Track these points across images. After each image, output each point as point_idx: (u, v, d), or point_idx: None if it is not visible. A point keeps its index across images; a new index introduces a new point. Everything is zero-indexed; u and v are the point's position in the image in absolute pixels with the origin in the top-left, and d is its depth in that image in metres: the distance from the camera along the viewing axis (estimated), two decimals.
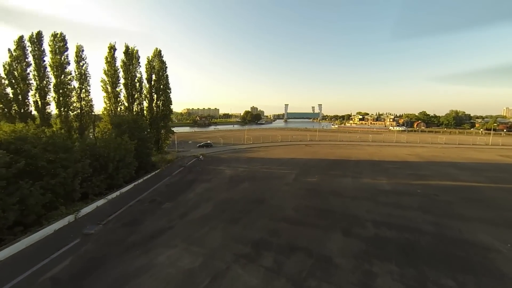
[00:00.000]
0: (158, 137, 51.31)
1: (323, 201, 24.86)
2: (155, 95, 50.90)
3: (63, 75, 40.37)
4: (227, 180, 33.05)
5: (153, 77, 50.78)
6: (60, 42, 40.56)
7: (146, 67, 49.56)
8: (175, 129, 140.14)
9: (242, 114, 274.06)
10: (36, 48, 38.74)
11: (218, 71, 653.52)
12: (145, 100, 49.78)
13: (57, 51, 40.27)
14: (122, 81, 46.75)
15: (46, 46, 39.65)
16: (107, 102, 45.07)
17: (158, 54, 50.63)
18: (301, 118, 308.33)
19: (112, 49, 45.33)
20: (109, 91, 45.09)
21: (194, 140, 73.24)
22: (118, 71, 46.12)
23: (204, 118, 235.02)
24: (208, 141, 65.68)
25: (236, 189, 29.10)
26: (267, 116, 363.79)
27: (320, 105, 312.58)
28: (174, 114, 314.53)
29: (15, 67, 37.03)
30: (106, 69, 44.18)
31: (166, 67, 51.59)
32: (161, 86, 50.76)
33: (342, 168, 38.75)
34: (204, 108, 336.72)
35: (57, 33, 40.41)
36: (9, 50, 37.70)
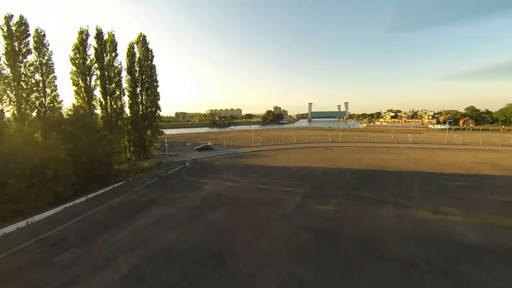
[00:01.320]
0: (142, 139, 41.89)
1: (341, 271, 12.10)
2: (139, 89, 41.52)
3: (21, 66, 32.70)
4: (197, 204, 21.73)
5: (137, 68, 41.44)
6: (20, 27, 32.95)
7: (126, 55, 40.34)
8: (194, 130, 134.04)
9: (263, 114, 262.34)
10: None
11: (242, 72, 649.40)
12: (124, 95, 40.62)
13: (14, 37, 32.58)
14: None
15: None
16: (77, 97, 36.55)
17: (142, 40, 41.23)
18: (326, 118, 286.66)
19: (83, 33, 36.71)
20: (80, 84, 36.56)
21: (194, 142, 63.46)
22: (91, 60, 37.49)
23: (223, 119, 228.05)
24: (209, 143, 55.25)
25: (197, 224, 17.59)
26: (290, 115, 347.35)
27: (346, 103, 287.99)
28: (197, 115, 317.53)
29: None
30: (73, 57, 35.62)
31: (152, 56, 42.04)
32: (145, 78, 41.21)
33: (376, 186, 25.06)
34: (227, 109, 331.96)
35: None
36: None
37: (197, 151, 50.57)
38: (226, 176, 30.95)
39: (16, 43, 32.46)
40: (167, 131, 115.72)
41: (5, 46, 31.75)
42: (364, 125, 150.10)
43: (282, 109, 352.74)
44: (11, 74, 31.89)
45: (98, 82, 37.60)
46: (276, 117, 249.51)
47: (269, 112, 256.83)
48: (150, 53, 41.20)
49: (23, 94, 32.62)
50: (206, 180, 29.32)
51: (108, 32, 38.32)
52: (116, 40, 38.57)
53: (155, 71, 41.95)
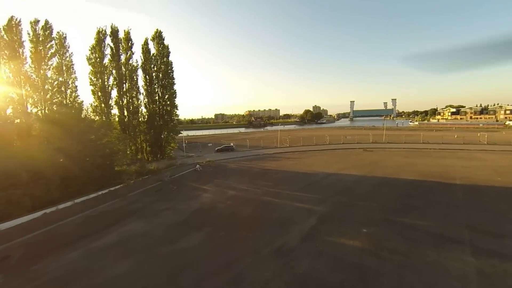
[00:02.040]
0: (157, 139, 39.73)
1: None
2: (154, 87, 39.48)
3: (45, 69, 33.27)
4: (181, 219, 17.04)
5: (153, 65, 39.47)
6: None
7: (141, 51, 38.57)
8: (228, 131, 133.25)
9: (301, 114, 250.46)
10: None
11: (281, 72, 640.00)
12: (140, 93, 38.95)
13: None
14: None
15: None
16: (94, 97, 35.99)
17: (157, 36, 39.00)
18: (370, 116, 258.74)
19: (100, 33, 36.03)
20: (96, 84, 35.97)
21: (218, 143, 60.11)
22: (109, 60, 36.70)
23: (259, 119, 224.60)
24: (231, 144, 51.07)
25: (161, 253, 12.72)
26: (330, 115, 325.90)
27: (394, 100, 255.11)
28: (236, 116, 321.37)
29: None
30: (89, 56, 35.06)
31: (168, 53, 39.52)
32: (160, 75, 38.95)
33: (437, 209, 16.59)
34: (264, 110, 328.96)
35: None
36: None
37: (217, 152, 46.93)
38: (233, 182, 25.78)
39: (41, 47, 33.07)
40: (204, 132, 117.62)
41: (31, 50, 32.52)
42: (416, 123, 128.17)
43: (322, 109, 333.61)
44: (38, 78, 32.57)
45: (114, 81, 36.64)
46: (314, 116, 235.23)
47: (307, 111, 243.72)
48: (164, 49, 38.80)
49: (47, 96, 33.10)
50: (208, 187, 24.63)
51: (124, 31, 37.22)
52: (132, 38, 37.17)
53: (172, 68, 39.41)
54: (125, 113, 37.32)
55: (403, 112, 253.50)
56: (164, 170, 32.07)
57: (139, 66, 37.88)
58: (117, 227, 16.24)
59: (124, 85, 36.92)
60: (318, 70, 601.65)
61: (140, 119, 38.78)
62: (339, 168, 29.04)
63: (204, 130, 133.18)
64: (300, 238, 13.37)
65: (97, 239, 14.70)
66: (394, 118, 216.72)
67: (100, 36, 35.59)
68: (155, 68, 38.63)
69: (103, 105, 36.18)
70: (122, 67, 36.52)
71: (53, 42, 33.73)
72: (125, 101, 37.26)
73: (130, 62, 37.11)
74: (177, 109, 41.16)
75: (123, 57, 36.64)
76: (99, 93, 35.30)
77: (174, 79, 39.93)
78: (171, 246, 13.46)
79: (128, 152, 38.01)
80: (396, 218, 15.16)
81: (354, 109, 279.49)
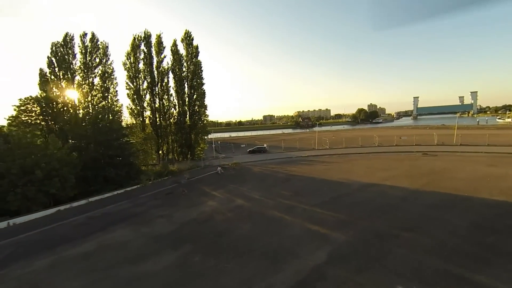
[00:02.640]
0: (186, 139, 39.50)
1: None
2: (185, 89, 39.41)
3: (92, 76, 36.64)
4: (168, 231, 14.78)
5: (183, 67, 39.50)
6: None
7: (171, 52, 38.82)
8: (272, 132, 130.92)
9: (353, 113, 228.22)
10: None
11: (332, 70, 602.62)
12: (171, 95, 39.36)
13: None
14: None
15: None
16: (130, 100, 37.93)
17: (186, 37, 38.83)
18: (441, 114, 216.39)
19: (136, 39, 37.81)
20: (131, 87, 37.82)
21: (254, 144, 57.41)
22: (144, 63, 38.24)
23: (307, 119, 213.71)
24: (264, 145, 47.72)
25: (117, 276, 10.37)
26: (388, 114, 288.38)
27: (474, 93, 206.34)
28: (285, 117, 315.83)
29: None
30: (124, 61, 37.05)
31: (197, 53, 38.90)
32: (189, 76, 38.61)
33: None
34: (314, 110, 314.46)
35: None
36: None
37: (249, 154, 44.31)
38: (248, 189, 22.36)
39: (89, 58, 36.50)
40: (246, 133, 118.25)
41: (81, 60, 36.18)
42: (508, 120, 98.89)
43: (378, 107, 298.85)
44: (86, 85, 36.03)
45: (148, 84, 37.94)
46: (369, 116, 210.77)
47: (360, 110, 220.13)
48: (193, 49, 38.25)
49: (94, 101, 36.31)
50: (218, 193, 21.86)
51: (157, 35, 38.14)
52: (163, 41, 37.88)
53: (201, 68, 38.73)
54: (157, 115, 38.29)
55: (487, 107, 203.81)
56: (185, 172, 31.05)
57: (169, 68, 38.39)
58: (102, 234, 14.88)
59: (156, 87, 37.95)
60: (373, 70, 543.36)
61: (170, 120, 39.29)
62: (383, 178, 22.28)
63: (248, 131, 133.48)
64: (291, 285, 9.01)
65: (75, 246, 13.50)
66: (475, 115, 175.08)
67: (136, 42, 37.39)
68: (184, 69, 38.58)
69: (138, 107, 37.91)
70: (155, 70, 37.59)
71: (98, 52, 36.96)
72: (157, 103, 38.27)
73: (162, 65, 37.95)
74: (206, 109, 40.33)
75: (155, 61, 37.73)
76: (134, 97, 37.08)
77: (203, 79, 39.24)
78: (134, 267, 10.96)
79: (159, 153, 38.75)
80: (465, 273, 9.06)
81: (419, 106, 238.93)
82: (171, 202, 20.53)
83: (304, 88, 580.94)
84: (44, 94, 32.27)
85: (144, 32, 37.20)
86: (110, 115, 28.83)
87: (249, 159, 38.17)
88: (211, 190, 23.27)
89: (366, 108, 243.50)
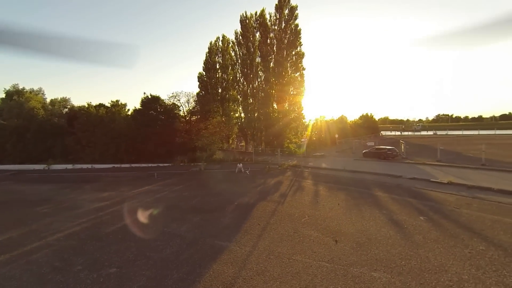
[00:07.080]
0: (274, 135, 32.28)
1: None
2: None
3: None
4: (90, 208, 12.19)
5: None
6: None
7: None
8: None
9: None
10: None
11: None
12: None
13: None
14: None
15: None
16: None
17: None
18: None
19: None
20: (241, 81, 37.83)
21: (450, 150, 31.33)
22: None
23: None
24: (401, 148, 24.33)
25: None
26: None
27: None
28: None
29: None
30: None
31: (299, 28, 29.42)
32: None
33: None
34: None
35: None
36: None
37: (363, 157, 25.35)
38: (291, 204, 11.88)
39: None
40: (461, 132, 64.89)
41: None
42: None
43: None
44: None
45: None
46: None
47: None
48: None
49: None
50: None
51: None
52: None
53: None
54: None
55: None
56: (227, 163, 24.92)
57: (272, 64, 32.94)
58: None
59: (257, 81, 34.85)
60: None
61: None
62: None
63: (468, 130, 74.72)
64: None
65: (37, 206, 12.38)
66: None
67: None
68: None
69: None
70: (253, 66, 34.58)
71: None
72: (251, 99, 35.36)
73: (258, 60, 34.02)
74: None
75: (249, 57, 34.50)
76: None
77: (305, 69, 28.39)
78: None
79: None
80: None
81: None
82: (135, 183, 17.34)
83: None
84: None
85: (241, 15, 34.84)
86: None
87: (334, 166, 20.67)
88: (178, 183, 16.20)
89: None
